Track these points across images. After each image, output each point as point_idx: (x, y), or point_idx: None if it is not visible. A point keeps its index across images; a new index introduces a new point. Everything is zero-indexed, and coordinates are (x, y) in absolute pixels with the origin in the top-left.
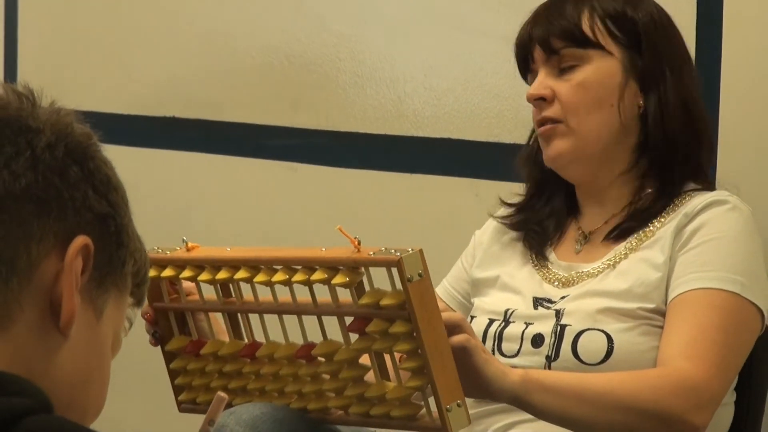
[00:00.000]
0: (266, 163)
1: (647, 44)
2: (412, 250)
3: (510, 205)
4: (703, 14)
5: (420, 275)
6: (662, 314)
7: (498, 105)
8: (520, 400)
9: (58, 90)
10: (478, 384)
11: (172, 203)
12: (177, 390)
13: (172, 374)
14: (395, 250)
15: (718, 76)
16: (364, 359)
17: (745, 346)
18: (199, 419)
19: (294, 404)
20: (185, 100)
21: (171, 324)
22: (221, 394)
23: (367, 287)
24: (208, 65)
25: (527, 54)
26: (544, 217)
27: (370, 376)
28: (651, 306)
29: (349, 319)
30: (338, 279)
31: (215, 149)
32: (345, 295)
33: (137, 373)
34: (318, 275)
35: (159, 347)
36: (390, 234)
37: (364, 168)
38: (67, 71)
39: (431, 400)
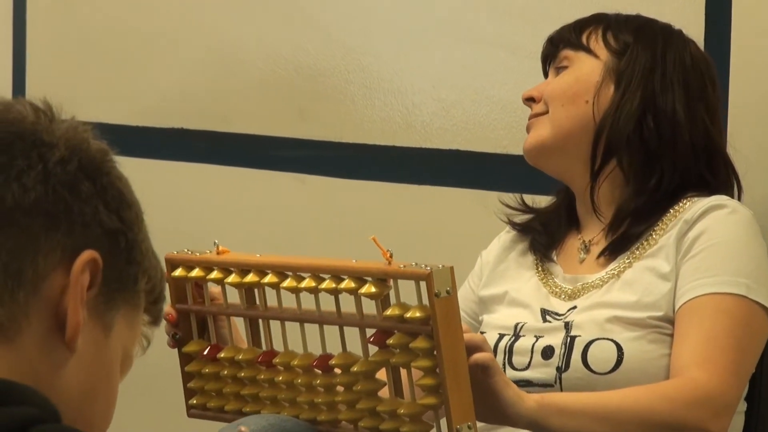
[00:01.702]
0: (274, 175)
1: (632, 53)
2: (443, 266)
3: (525, 205)
4: (712, 24)
5: (448, 292)
6: (671, 322)
7: (507, 117)
8: (538, 425)
9: (66, 101)
10: (495, 407)
11: (181, 214)
12: (188, 393)
13: (186, 377)
14: (425, 265)
15: (726, 82)
16: (381, 374)
17: (756, 347)
18: (204, 425)
19: (304, 415)
20: (193, 111)
21: (191, 327)
22: (243, 429)
23: (393, 301)
24: (216, 77)
25: (546, 63)
26: (548, 220)
27: (383, 393)
28: (659, 314)
29: (370, 332)
30: (366, 290)
31: (223, 160)
32: (367, 309)
33: (133, 380)
34: (346, 285)
35: (155, 350)
36: (398, 246)
37: (372, 179)
38: (75, 82)
39: (443, 422)
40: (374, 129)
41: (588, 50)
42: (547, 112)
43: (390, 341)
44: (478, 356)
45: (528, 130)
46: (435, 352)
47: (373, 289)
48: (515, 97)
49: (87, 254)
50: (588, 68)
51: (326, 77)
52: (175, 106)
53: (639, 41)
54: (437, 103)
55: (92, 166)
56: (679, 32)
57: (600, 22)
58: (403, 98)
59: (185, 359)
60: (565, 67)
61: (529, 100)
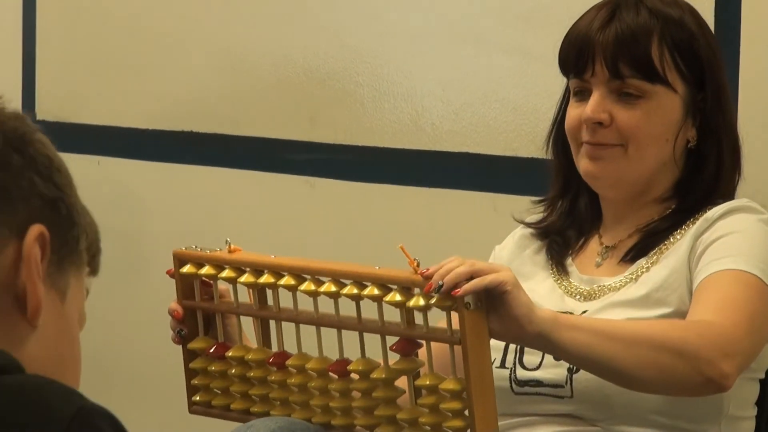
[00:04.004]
0: (284, 178)
1: (710, 83)
2: None
3: (539, 201)
4: (721, 21)
5: (479, 305)
6: (682, 316)
7: (516, 119)
8: (547, 338)
9: (76, 105)
10: (505, 315)
11: (190, 217)
12: (191, 390)
13: (190, 374)
14: None
15: (736, 84)
16: (399, 382)
17: None
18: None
19: (316, 419)
20: (203, 114)
21: (198, 323)
22: None
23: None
24: (226, 80)
25: (585, 58)
26: (567, 227)
27: (402, 401)
28: (670, 310)
29: (391, 340)
30: (391, 297)
31: (233, 164)
32: (387, 316)
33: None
34: (369, 291)
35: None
36: (408, 249)
37: (381, 182)
38: (85, 86)
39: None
40: (384, 132)
41: (667, 83)
42: (620, 145)
43: (418, 382)
44: (483, 280)
45: (596, 157)
46: (464, 391)
47: (398, 297)
48: (525, 99)
49: (35, 229)
50: (669, 104)
51: (336, 80)
52: (185, 110)
53: (706, 65)
54: (447, 106)
55: (16, 138)
56: (711, 31)
57: (654, 33)
58: (413, 101)
59: (189, 355)
60: (635, 96)
61: (596, 124)
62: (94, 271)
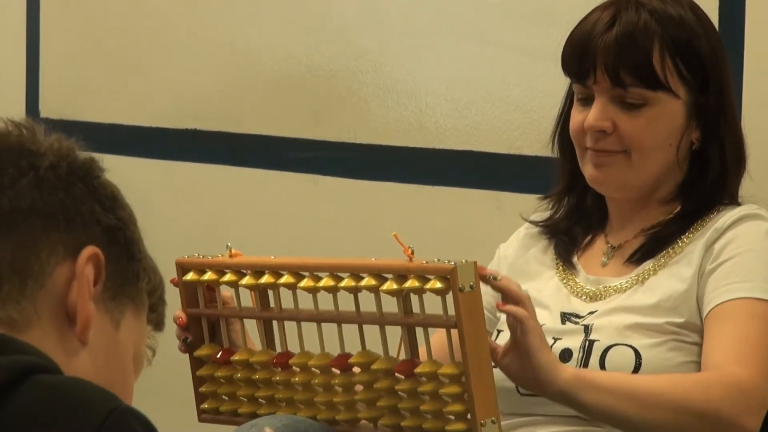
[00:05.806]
0: (287, 176)
1: (713, 83)
2: (466, 261)
3: (546, 197)
4: (725, 17)
5: (472, 287)
6: (693, 329)
7: (520, 117)
8: (570, 397)
9: (80, 102)
10: (528, 369)
11: (193, 216)
12: (200, 398)
13: (197, 381)
14: (449, 260)
15: (740, 81)
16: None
17: None
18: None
19: (321, 415)
20: (207, 112)
21: (203, 331)
22: (268, 430)
23: (414, 298)
24: (229, 78)
25: (586, 66)
26: (573, 224)
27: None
28: (680, 320)
29: (390, 329)
30: (387, 287)
31: (236, 161)
32: (387, 309)
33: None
34: (366, 282)
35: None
36: (412, 246)
37: (385, 180)
38: (89, 84)
39: None
40: (388, 130)
41: (669, 90)
42: (623, 152)
43: (417, 369)
44: (513, 308)
45: (600, 164)
46: (463, 372)
47: (394, 286)
48: (529, 97)
49: (89, 250)
50: (671, 110)
51: (340, 78)
52: (188, 108)
53: (708, 64)
54: (450, 104)
55: (82, 170)
56: (713, 25)
57: (655, 37)
58: (417, 99)
59: (196, 363)
60: (638, 104)
61: (599, 132)
62: (157, 324)
